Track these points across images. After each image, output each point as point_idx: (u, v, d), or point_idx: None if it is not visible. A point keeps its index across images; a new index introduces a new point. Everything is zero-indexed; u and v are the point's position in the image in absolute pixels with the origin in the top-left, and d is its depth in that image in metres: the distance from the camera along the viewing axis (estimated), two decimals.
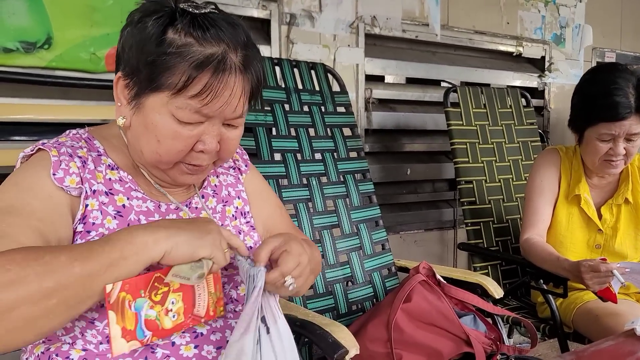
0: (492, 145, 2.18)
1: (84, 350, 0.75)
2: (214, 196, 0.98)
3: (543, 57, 2.99)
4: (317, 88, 1.82)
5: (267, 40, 2.06)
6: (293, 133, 1.70)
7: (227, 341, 0.85)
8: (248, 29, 0.85)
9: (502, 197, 2.13)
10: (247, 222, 1.01)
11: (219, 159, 0.87)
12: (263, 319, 0.76)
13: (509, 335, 1.91)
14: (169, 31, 0.77)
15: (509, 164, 2.20)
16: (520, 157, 2.24)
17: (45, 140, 0.83)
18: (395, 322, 1.30)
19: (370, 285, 1.69)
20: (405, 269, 1.70)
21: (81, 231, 0.78)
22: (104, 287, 0.65)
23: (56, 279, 0.61)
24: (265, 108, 1.67)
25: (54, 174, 0.77)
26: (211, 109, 0.78)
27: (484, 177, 2.11)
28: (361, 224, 1.74)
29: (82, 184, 0.80)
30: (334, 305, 1.60)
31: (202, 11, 0.79)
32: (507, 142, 2.23)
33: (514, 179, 2.19)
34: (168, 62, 0.76)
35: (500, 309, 1.48)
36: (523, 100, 2.35)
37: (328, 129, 1.78)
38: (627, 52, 3.40)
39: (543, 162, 1.75)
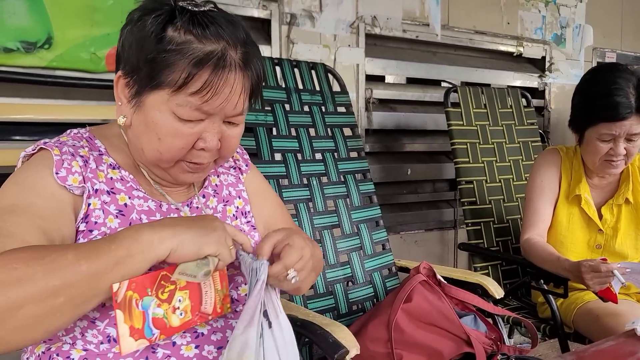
0: (492, 146, 2.18)
1: (85, 350, 0.75)
2: (214, 196, 0.98)
3: (543, 57, 2.99)
4: (317, 88, 1.82)
5: (268, 40, 2.06)
6: (293, 133, 1.70)
7: (228, 341, 0.85)
8: (247, 28, 0.85)
9: (502, 197, 2.13)
10: (248, 222, 1.01)
11: (220, 157, 0.87)
12: (265, 314, 0.76)
13: (510, 336, 1.91)
14: (169, 29, 0.77)
15: (509, 164, 2.20)
16: (521, 157, 2.24)
17: (46, 140, 0.83)
18: (395, 322, 1.30)
19: (371, 285, 1.69)
20: (405, 269, 1.70)
21: (84, 230, 0.78)
22: (111, 286, 0.65)
23: (63, 277, 0.61)
24: (266, 108, 1.67)
25: (56, 173, 0.77)
26: (211, 106, 0.78)
27: (485, 177, 2.11)
28: (362, 224, 1.74)
29: (84, 183, 0.80)
30: (334, 305, 1.60)
31: (202, 9, 0.80)
32: (507, 142, 2.23)
33: (515, 179, 2.19)
34: (168, 60, 0.76)
35: (501, 309, 1.48)
36: (523, 100, 2.35)
37: (328, 129, 1.78)
38: (627, 52, 3.40)
39: (543, 162, 1.75)
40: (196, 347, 0.82)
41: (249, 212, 1.02)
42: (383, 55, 2.40)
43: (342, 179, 1.75)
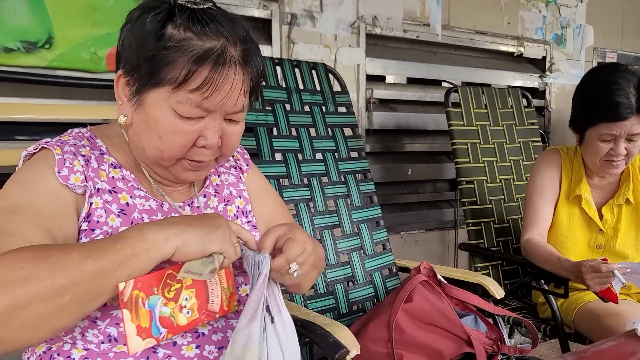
0: (493, 146, 2.18)
1: (86, 349, 0.75)
2: (215, 195, 0.98)
3: (544, 58, 2.99)
4: (318, 88, 1.82)
5: (268, 40, 2.06)
6: (294, 133, 1.70)
7: (229, 341, 0.85)
8: (247, 27, 0.85)
9: (503, 197, 2.13)
10: (249, 222, 1.01)
11: (221, 155, 0.87)
12: (268, 309, 0.77)
13: (510, 336, 1.90)
14: (168, 26, 0.77)
15: (510, 164, 2.20)
16: (521, 157, 2.24)
17: (48, 139, 0.83)
18: (396, 322, 1.30)
19: (371, 285, 1.69)
20: (406, 269, 1.70)
21: (86, 229, 0.78)
22: (117, 286, 0.65)
23: (68, 276, 0.61)
24: (266, 108, 1.67)
25: (58, 172, 0.77)
26: (212, 102, 0.78)
27: (485, 177, 2.11)
28: (362, 224, 1.74)
29: (86, 182, 0.80)
30: (334, 305, 1.60)
31: (201, 6, 0.80)
32: (508, 142, 2.22)
33: (515, 179, 2.19)
34: (168, 57, 0.76)
35: (501, 309, 1.48)
36: (524, 100, 2.35)
37: (329, 129, 1.78)
38: (628, 52, 3.40)
39: (544, 162, 1.75)
40: (197, 347, 0.82)
41: (249, 211, 1.02)
42: (384, 55, 2.40)
43: (343, 179, 1.75)
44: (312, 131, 1.74)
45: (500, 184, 2.14)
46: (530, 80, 2.94)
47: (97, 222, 0.79)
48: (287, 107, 1.71)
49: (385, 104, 2.47)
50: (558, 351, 1.78)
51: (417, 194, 2.60)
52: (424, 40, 2.52)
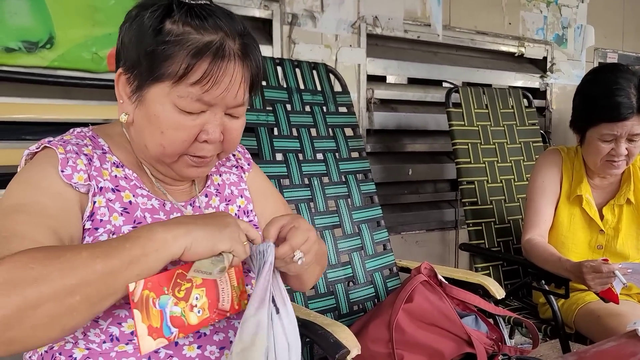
0: (493, 146, 2.18)
1: (87, 349, 0.75)
2: (217, 195, 0.98)
3: (545, 58, 2.99)
4: (318, 88, 1.82)
5: (269, 40, 2.06)
6: (295, 133, 1.70)
7: (230, 341, 0.85)
8: (246, 24, 0.85)
9: (503, 197, 2.13)
10: (250, 221, 1.01)
11: (223, 150, 0.87)
12: (273, 300, 0.77)
13: (511, 336, 1.91)
14: (167, 22, 0.78)
15: (510, 164, 2.20)
16: (522, 157, 2.24)
17: (50, 138, 0.83)
18: (396, 323, 1.30)
19: (372, 286, 1.69)
20: (406, 270, 1.70)
21: (89, 228, 0.79)
22: (127, 286, 0.65)
23: (79, 276, 0.61)
24: (267, 108, 1.67)
25: (62, 171, 0.78)
26: (212, 95, 0.79)
27: (486, 178, 2.11)
28: (363, 224, 1.74)
29: (89, 181, 0.80)
30: (335, 305, 1.60)
31: (199, 2, 0.81)
32: (508, 143, 2.22)
33: (516, 180, 2.19)
34: (167, 51, 0.76)
35: (502, 309, 1.48)
36: (525, 100, 2.35)
37: (330, 129, 1.78)
38: (629, 52, 3.40)
39: (545, 162, 1.75)
40: (198, 347, 0.82)
41: (251, 210, 1.02)
42: (384, 55, 2.40)
43: (343, 179, 1.75)
44: (313, 131, 1.74)
45: (501, 184, 2.14)
46: (531, 80, 2.94)
47: (101, 220, 0.79)
48: (288, 107, 1.71)
49: (386, 104, 2.47)
50: (559, 352, 1.78)
51: (418, 194, 2.60)
52: (425, 41, 2.52)
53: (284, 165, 1.63)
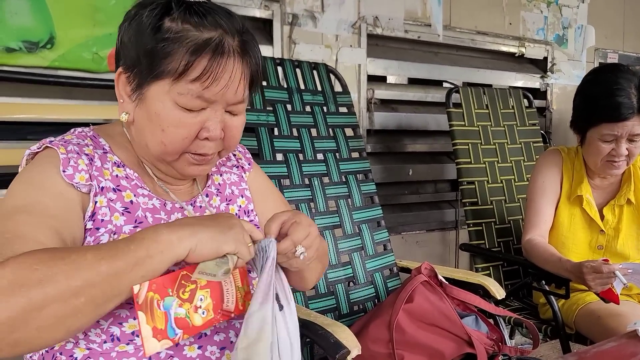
0: (494, 146, 2.18)
1: (88, 349, 0.75)
2: (217, 195, 0.98)
3: (545, 58, 2.99)
4: (319, 88, 1.82)
5: (270, 41, 2.06)
6: (295, 133, 1.70)
7: (231, 342, 0.85)
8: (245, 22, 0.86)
9: (504, 197, 2.13)
10: (251, 221, 1.01)
11: (224, 148, 0.87)
12: (277, 297, 0.77)
13: (511, 336, 1.91)
14: (166, 20, 0.78)
15: (511, 164, 2.20)
16: (523, 157, 2.24)
17: (51, 138, 0.83)
18: (397, 323, 1.30)
19: (372, 286, 1.69)
20: (407, 270, 1.70)
21: (90, 228, 0.79)
22: (132, 288, 0.65)
23: (84, 278, 0.61)
24: (267, 108, 1.67)
25: (63, 171, 0.78)
26: (212, 92, 0.79)
27: (486, 178, 2.11)
28: (363, 224, 1.74)
29: (90, 181, 0.80)
30: (335, 305, 1.60)
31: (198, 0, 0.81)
32: (509, 143, 2.22)
33: (516, 180, 2.18)
34: (166, 48, 0.77)
35: (502, 309, 1.48)
36: (525, 101, 2.35)
37: (330, 129, 1.79)
38: (629, 53, 3.40)
39: (545, 162, 1.75)
40: (199, 347, 0.82)
41: (252, 210, 1.02)
42: (385, 55, 2.40)
43: (344, 180, 1.75)
44: (313, 131, 1.74)
45: (501, 185, 2.14)
46: (531, 80, 2.94)
47: (102, 220, 0.80)
48: (288, 107, 1.71)
49: (387, 104, 2.47)
50: (559, 352, 1.78)
51: (418, 195, 2.60)
52: (425, 41, 2.52)
53: (284, 165, 1.64)
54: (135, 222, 0.82)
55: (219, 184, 1.00)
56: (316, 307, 1.55)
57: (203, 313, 0.75)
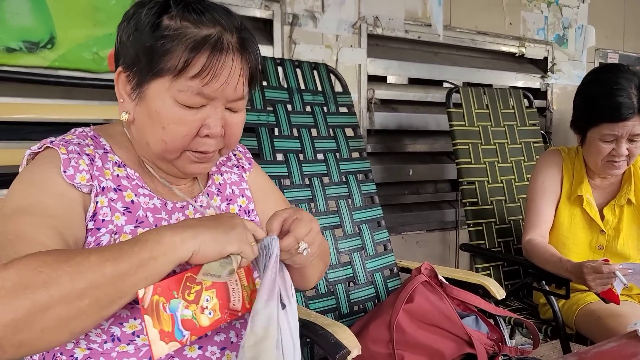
0: (494, 146, 2.18)
1: (89, 349, 0.76)
2: (218, 194, 0.98)
3: (546, 58, 2.99)
4: (319, 88, 1.82)
5: (270, 41, 2.06)
6: (295, 133, 1.70)
7: (232, 342, 0.85)
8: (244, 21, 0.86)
9: (504, 198, 2.13)
10: (252, 221, 1.01)
11: (225, 146, 0.87)
12: (279, 296, 0.77)
13: (511, 337, 1.90)
14: (164, 17, 0.79)
15: (511, 164, 2.20)
16: (523, 158, 2.24)
17: (52, 138, 0.83)
18: (397, 323, 1.30)
19: (372, 286, 1.69)
20: (407, 270, 1.70)
21: (91, 228, 0.79)
22: (137, 293, 0.65)
23: (88, 280, 0.61)
24: (268, 108, 1.67)
25: (64, 172, 0.78)
26: (212, 88, 0.79)
27: (486, 178, 2.11)
28: (363, 224, 1.74)
29: (91, 181, 0.80)
30: (335, 305, 1.60)
31: None
32: (509, 143, 2.22)
33: (516, 180, 2.18)
34: (165, 46, 0.77)
35: (502, 310, 1.48)
36: (525, 101, 2.35)
37: (330, 130, 1.79)
38: (630, 53, 3.40)
39: (545, 163, 1.75)
40: (199, 347, 0.82)
41: (252, 210, 1.02)
42: (385, 55, 2.40)
43: (344, 180, 1.75)
44: (314, 131, 1.74)
45: (501, 185, 2.14)
46: (531, 80, 2.94)
47: (103, 220, 0.80)
48: (289, 107, 1.71)
49: (387, 104, 2.47)
50: (559, 352, 1.78)
51: (419, 195, 2.60)
52: (426, 41, 2.52)
53: (285, 165, 1.64)
54: (136, 222, 0.83)
55: (219, 183, 1.00)
56: (316, 307, 1.55)
57: (210, 313, 0.75)
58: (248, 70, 0.83)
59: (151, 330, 0.67)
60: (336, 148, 1.77)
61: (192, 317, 0.72)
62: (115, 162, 0.85)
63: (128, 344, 0.76)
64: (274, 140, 1.64)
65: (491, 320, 1.40)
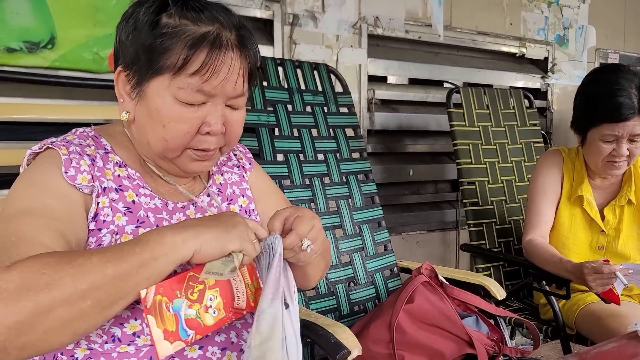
0: (494, 146, 2.18)
1: (89, 349, 0.76)
2: (218, 194, 0.98)
3: (546, 58, 2.99)
4: (319, 88, 1.82)
5: (270, 41, 2.06)
6: (296, 133, 1.70)
7: (232, 342, 0.85)
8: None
9: (504, 198, 2.13)
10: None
11: (225, 144, 0.87)
12: (283, 295, 0.77)
13: (511, 337, 1.90)
14: (163, 16, 0.79)
15: (511, 165, 2.20)
16: (523, 158, 2.24)
17: (53, 139, 0.83)
18: (397, 323, 1.30)
19: (373, 286, 1.69)
20: (407, 270, 1.70)
21: (93, 229, 0.79)
22: (139, 293, 0.65)
23: (90, 281, 0.61)
24: (268, 108, 1.67)
25: (65, 172, 0.78)
26: (212, 85, 0.79)
27: (487, 178, 2.11)
28: (364, 224, 1.74)
29: (93, 182, 0.80)
30: (336, 306, 1.60)
31: None
32: (509, 143, 2.22)
33: (517, 180, 2.18)
34: (165, 44, 0.77)
35: (503, 310, 1.48)
36: (526, 101, 2.35)
37: (331, 130, 1.79)
38: (630, 53, 3.39)
39: (546, 163, 1.74)
40: (200, 348, 0.82)
41: (253, 210, 1.02)
42: (385, 55, 2.40)
43: (344, 180, 1.75)
44: (314, 132, 1.74)
45: (501, 185, 2.14)
46: (532, 81, 2.94)
47: (104, 221, 0.80)
48: (289, 107, 1.71)
49: (387, 104, 2.47)
50: (560, 352, 1.78)
51: (419, 195, 2.60)
52: (426, 41, 2.52)
53: (285, 165, 1.64)
54: (137, 222, 0.83)
55: (220, 183, 1.00)
56: (317, 308, 1.55)
57: (214, 312, 0.75)
58: (247, 67, 0.84)
59: (155, 330, 0.67)
60: (336, 148, 1.77)
61: (196, 316, 0.72)
62: (116, 162, 0.85)
63: (129, 345, 0.76)
64: (275, 140, 1.64)
65: (491, 321, 1.40)
